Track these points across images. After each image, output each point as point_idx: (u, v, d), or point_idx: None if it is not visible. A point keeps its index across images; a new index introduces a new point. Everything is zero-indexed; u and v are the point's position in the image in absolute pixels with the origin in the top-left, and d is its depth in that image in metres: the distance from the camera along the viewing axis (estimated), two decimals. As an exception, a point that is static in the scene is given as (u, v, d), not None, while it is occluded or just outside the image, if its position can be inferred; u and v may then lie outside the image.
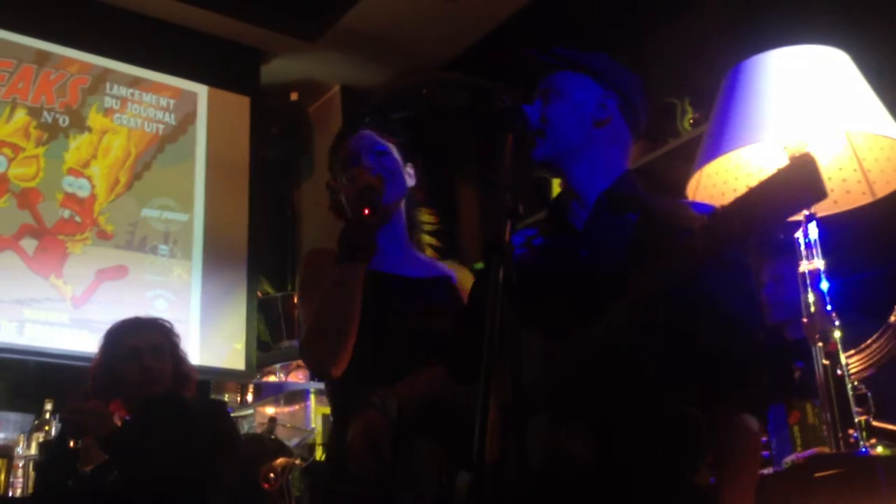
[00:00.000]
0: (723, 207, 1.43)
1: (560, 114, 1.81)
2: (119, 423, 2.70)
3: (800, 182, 1.36)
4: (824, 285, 2.16)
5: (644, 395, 1.62)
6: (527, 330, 1.69)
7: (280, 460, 3.49)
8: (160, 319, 3.00)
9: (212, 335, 4.75)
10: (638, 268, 1.56)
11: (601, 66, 1.88)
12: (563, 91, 1.83)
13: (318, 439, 3.90)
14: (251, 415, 4.38)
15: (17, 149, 4.50)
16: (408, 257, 2.27)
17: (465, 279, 2.27)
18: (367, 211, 2.01)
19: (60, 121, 4.66)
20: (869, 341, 2.32)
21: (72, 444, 2.66)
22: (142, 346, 2.82)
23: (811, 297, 2.15)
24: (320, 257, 2.23)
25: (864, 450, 2.01)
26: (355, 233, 2.03)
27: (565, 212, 1.84)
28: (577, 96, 1.83)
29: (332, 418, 2.26)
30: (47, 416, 3.87)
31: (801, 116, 2.23)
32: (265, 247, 5.33)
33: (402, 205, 2.28)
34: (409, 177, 2.29)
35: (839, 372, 2.08)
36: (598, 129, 1.84)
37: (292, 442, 3.80)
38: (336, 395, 2.21)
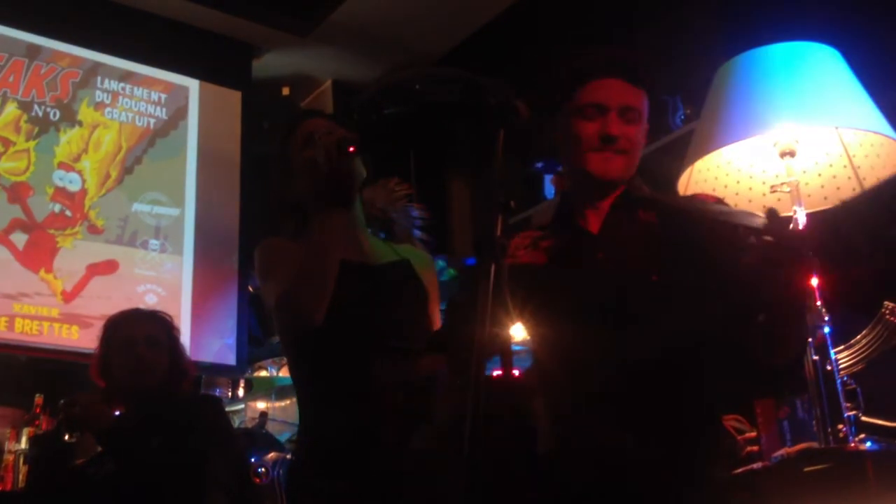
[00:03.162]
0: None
1: (639, 138, 1.83)
2: (115, 417, 2.69)
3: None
4: (814, 281, 2.17)
5: (673, 389, 1.66)
6: (549, 325, 1.73)
7: (271, 455, 3.49)
8: (160, 312, 2.98)
9: (203, 330, 4.74)
10: (659, 265, 1.58)
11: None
12: (642, 115, 1.83)
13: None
14: (242, 409, 4.38)
15: (7, 143, 4.48)
16: (371, 245, 2.26)
17: (421, 262, 2.28)
18: (352, 148, 2.01)
19: (51, 115, 4.64)
20: (858, 337, 2.33)
21: (67, 437, 2.65)
22: (137, 336, 2.81)
23: (801, 293, 2.16)
24: (278, 244, 2.27)
25: (853, 445, 2.02)
26: (337, 178, 2.05)
27: (577, 215, 1.85)
28: (644, 122, 1.85)
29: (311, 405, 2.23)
30: (38, 410, 3.87)
31: (792, 113, 2.24)
32: (257, 241, 5.31)
33: (358, 194, 2.26)
34: (363, 167, 2.25)
35: (829, 367, 2.09)
36: None
37: (283, 436, 3.80)
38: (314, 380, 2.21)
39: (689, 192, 2.37)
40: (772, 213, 1.45)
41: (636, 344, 1.63)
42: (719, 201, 1.82)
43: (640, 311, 1.65)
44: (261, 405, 4.20)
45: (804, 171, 2.38)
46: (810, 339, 2.12)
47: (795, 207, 2.21)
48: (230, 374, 4.77)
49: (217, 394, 4.62)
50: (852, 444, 2.03)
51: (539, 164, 4.37)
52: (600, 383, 1.65)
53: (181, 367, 2.84)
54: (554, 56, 1.98)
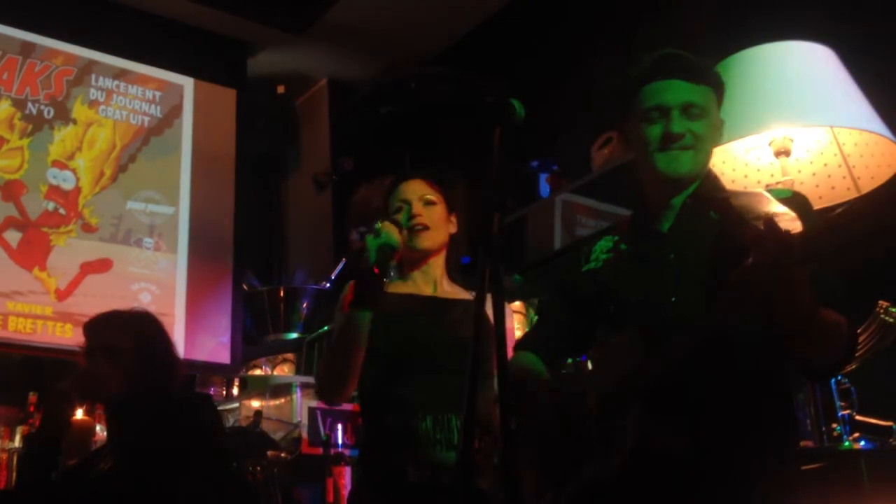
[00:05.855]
0: (818, 224, 1.48)
1: (707, 132, 1.85)
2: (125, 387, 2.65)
3: None
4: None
5: (736, 382, 1.65)
6: (621, 330, 1.75)
7: (266, 453, 3.48)
8: (132, 313, 2.85)
9: (197, 329, 4.74)
10: (721, 268, 1.59)
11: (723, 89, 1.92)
12: (707, 110, 1.85)
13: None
14: (237, 408, 4.36)
15: (0, 140, 4.47)
16: (438, 289, 2.40)
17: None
18: (376, 270, 2.14)
19: (45, 112, 4.63)
20: (853, 336, 2.33)
21: (82, 413, 2.59)
22: (94, 346, 2.73)
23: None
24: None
25: (847, 444, 2.02)
26: (365, 284, 2.16)
27: (652, 217, 1.88)
28: (714, 117, 1.87)
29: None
30: (31, 408, 3.86)
31: (786, 112, 2.24)
32: (251, 240, 5.32)
33: (444, 250, 2.42)
34: (453, 225, 2.44)
35: (823, 366, 2.09)
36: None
37: (278, 435, 3.79)
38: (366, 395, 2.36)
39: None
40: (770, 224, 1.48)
41: (695, 346, 1.63)
42: (793, 196, 1.82)
43: (698, 313, 1.65)
44: (255, 404, 4.19)
45: (799, 171, 2.38)
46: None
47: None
48: (224, 373, 4.77)
49: (211, 392, 4.61)
50: (846, 443, 2.03)
51: (534, 163, 4.37)
52: (662, 386, 1.65)
53: (163, 368, 2.75)
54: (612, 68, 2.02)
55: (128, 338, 2.70)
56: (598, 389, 1.73)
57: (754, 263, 1.50)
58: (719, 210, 1.79)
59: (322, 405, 3.64)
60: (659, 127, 1.81)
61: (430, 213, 2.37)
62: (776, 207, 1.71)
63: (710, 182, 1.87)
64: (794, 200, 1.77)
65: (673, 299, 1.73)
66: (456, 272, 2.48)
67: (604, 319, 1.89)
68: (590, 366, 2.45)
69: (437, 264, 2.42)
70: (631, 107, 1.86)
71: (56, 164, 4.59)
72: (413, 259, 2.36)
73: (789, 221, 1.59)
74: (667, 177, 1.82)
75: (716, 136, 1.88)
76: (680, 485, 1.62)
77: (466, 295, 2.40)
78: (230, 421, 4.20)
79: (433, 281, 2.41)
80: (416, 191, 2.41)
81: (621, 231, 1.95)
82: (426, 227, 2.32)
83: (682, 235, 1.81)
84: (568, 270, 1.99)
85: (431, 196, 2.40)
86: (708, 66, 1.88)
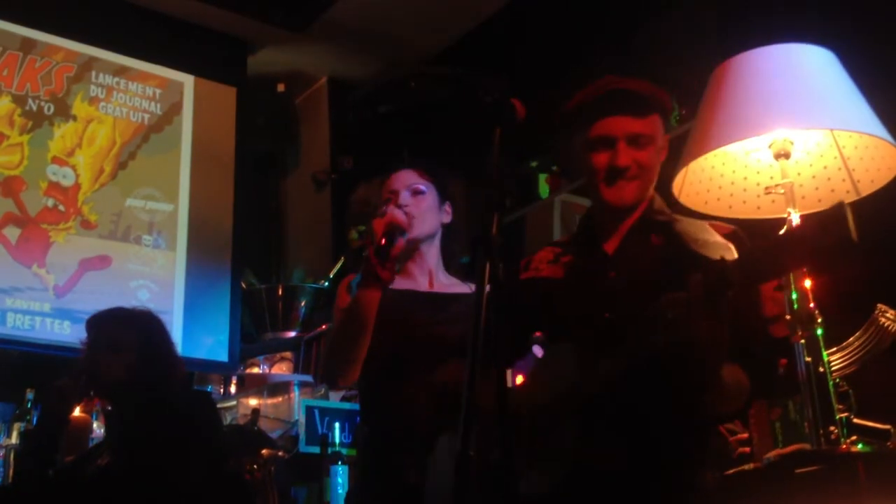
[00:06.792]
0: (752, 249, 1.49)
1: (652, 160, 1.87)
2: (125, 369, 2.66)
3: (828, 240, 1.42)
4: (807, 282, 2.17)
5: (665, 402, 1.66)
6: (559, 342, 1.75)
7: (263, 451, 3.48)
8: (136, 311, 2.88)
9: (195, 326, 4.74)
10: (663, 290, 1.60)
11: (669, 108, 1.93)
12: (654, 137, 1.87)
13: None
14: (234, 406, 4.36)
15: (0, 137, 4.46)
16: (434, 282, 2.41)
17: None
18: (383, 241, 2.13)
19: (45, 109, 4.62)
20: (851, 339, 2.34)
21: (79, 410, 2.60)
22: (97, 340, 2.74)
23: (794, 294, 2.16)
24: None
25: (844, 447, 2.02)
26: (373, 262, 2.14)
27: (598, 236, 1.88)
28: (659, 142, 1.88)
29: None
30: (28, 405, 3.85)
31: (787, 114, 2.24)
32: (250, 238, 5.32)
33: (436, 239, 2.44)
34: (446, 214, 2.46)
35: (821, 369, 2.09)
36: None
37: (275, 433, 3.79)
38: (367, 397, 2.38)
39: (684, 193, 2.36)
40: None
41: (631, 363, 1.64)
42: (733, 232, 1.84)
43: (636, 332, 1.66)
44: (253, 402, 4.19)
45: (799, 173, 2.38)
46: (803, 341, 2.12)
47: (789, 209, 2.21)
48: (222, 371, 4.77)
49: (209, 390, 4.61)
50: (844, 446, 2.03)
51: (534, 163, 4.37)
52: (591, 396, 1.66)
53: (164, 366, 2.77)
54: (563, 85, 2.03)
55: (131, 335, 2.73)
56: (532, 402, 1.73)
57: (686, 296, 1.52)
58: (661, 235, 1.81)
59: (317, 405, 3.65)
60: (605, 157, 1.83)
61: (417, 203, 2.37)
62: (713, 237, 1.74)
63: (655, 205, 1.90)
64: (735, 236, 1.81)
65: (607, 316, 1.74)
66: (454, 263, 2.48)
67: (538, 329, 1.90)
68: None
69: (431, 254, 2.42)
70: (578, 132, 1.88)
71: (56, 160, 4.59)
72: (405, 250, 2.36)
73: (724, 249, 1.62)
74: (613, 207, 1.84)
75: (660, 157, 1.90)
76: (614, 500, 1.64)
77: (464, 287, 2.40)
78: (227, 419, 4.20)
79: (428, 272, 2.40)
80: (405, 181, 2.41)
81: (564, 244, 1.96)
82: (412, 217, 2.31)
83: (625, 257, 1.83)
84: (505, 278, 2.00)
85: (420, 185, 2.40)
86: (653, 94, 1.89)
